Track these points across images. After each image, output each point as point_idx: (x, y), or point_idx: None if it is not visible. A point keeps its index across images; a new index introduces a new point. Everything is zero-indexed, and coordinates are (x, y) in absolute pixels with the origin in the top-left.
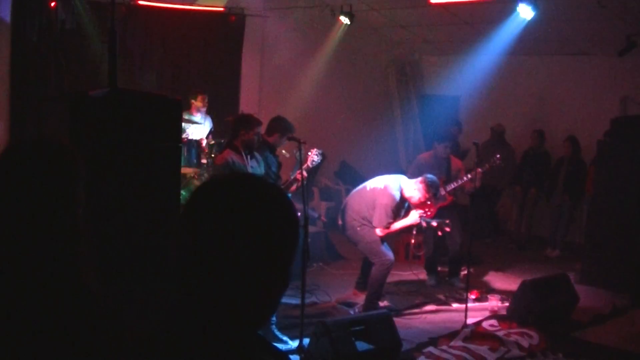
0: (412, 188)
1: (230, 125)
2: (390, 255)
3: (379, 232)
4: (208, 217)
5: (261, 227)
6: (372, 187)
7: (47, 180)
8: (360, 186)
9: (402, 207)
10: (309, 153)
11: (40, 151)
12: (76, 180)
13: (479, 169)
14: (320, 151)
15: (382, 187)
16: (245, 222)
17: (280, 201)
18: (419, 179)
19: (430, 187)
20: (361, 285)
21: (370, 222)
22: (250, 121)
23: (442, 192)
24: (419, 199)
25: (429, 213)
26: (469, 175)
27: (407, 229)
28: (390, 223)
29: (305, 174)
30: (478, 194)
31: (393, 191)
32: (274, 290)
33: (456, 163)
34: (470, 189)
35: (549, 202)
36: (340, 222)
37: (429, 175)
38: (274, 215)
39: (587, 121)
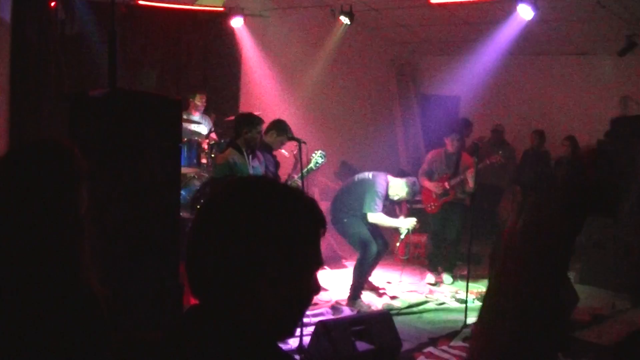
0: (397, 187)
1: (233, 125)
2: (374, 248)
3: (369, 217)
4: (225, 220)
5: (281, 231)
6: (360, 178)
7: (50, 181)
8: (349, 180)
9: (386, 199)
10: (313, 155)
11: (44, 152)
12: (79, 181)
13: (470, 171)
14: (323, 152)
15: (370, 176)
16: (264, 225)
17: (300, 204)
18: (405, 180)
19: (410, 191)
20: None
21: (357, 213)
22: (252, 120)
23: (446, 186)
24: (398, 199)
25: (433, 207)
26: (472, 171)
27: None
28: (379, 209)
29: (305, 174)
30: (477, 193)
31: (381, 180)
32: (292, 295)
33: (466, 159)
34: (459, 192)
35: None
36: (330, 216)
37: (413, 180)
38: (295, 219)
39: (587, 121)
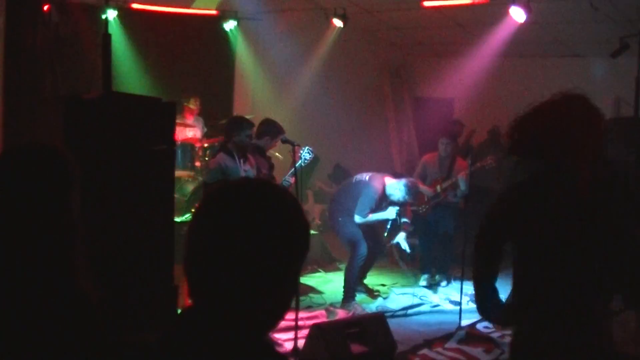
0: (394, 187)
1: (223, 129)
2: (364, 249)
3: (356, 219)
4: (222, 222)
5: (275, 232)
6: (357, 179)
7: (41, 184)
8: (347, 180)
9: (382, 200)
10: (300, 151)
11: (35, 155)
12: (71, 184)
13: (462, 174)
14: (310, 149)
15: (367, 179)
16: (260, 226)
17: (292, 206)
18: (403, 180)
19: (409, 191)
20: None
21: (351, 213)
22: (241, 123)
23: (437, 190)
24: (398, 199)
25: (424, 210)
26: (464, 174)
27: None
28: (369, 213)
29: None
30: (471, 195)
31: (377, 184)
32: (285, 295)
33: (461, 164)
34: (451, 195)
35: None
36: (327, 214)
37: (412, 181)
38: (288, 220)
39: None
